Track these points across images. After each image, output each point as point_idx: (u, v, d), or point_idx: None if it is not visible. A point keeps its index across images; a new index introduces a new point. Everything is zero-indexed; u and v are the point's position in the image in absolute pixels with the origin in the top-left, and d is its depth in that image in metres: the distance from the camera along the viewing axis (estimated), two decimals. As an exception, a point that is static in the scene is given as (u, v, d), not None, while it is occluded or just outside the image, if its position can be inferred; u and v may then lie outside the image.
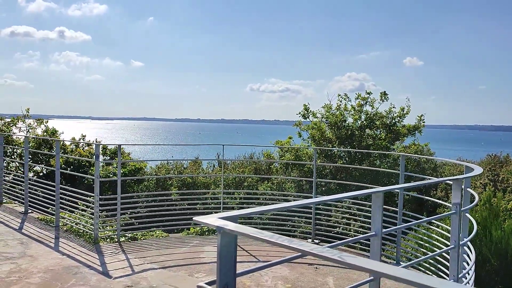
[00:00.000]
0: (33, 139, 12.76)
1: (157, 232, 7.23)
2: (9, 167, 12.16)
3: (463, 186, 3.97)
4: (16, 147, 12.34)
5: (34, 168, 12.64)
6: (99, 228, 6.69)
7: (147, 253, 6.12)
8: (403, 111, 13.06)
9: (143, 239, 6.86)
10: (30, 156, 10.09)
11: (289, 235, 7.64)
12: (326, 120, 13.21)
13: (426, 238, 6.04)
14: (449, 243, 3.64)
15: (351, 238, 2.54)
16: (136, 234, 6.95)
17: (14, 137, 12.95)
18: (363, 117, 13.11)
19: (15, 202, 8.79)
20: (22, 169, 10.85)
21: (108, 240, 6.66)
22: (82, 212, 7.20)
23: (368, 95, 13.21)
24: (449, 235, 4.02)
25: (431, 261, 5.62)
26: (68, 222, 7.26)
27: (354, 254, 1.73)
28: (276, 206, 2.09)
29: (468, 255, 4.33)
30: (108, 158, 13.33)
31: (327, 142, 12.91)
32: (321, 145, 12.77)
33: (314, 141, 13.00)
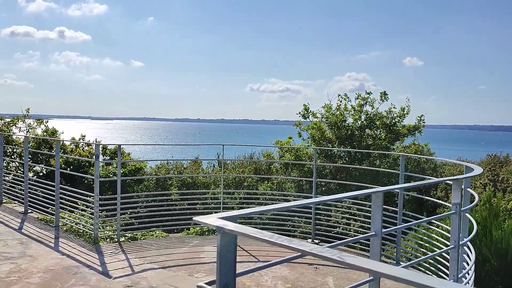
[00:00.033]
0: (33, 139, 12.77)
1: (157, 232, 7.23)
2: (9, 167, 12.16)
3: (463, 186, 3.97)
4: (16, 147, 12.35)
5: (34, 168, 12.65)
6: (99, 228, 6.69)
7: (147, 253, 6.12)
8: (403, 111, 13.06)
9: (143, 239, 6.86)
10: (30, 156, 10.10)
11: (289, 235, 7.64)
12: (326, 120, 13.21)
13: (426, 238, 6.04)
14: (449, 243, 3.64)
15: (351, 238, 2.54)
16: (136, 234, 6.95)
17: (14, 137, 12.96)
18: (363, 117, 13.10)
19: (15, 202, 8.79)
20: (22, 169, 10.84)
21: (108, 240, 6.66)
22: (82, 212, 7.20)
23: (368, 95, 13.21)
24: (449, 235, 4.02)
25: (431, 261, 5.62)
26: (68, 222, 7.26)
27: (354, 254, 1.73)
28: (276, 206, 2.09)
29: (468, 255, 4.33)
30: (108, 158, 13.33)
31: (327, 142, 12.91)
32: (321, 145, 12.77)
33: (314, 141, 13.00)
